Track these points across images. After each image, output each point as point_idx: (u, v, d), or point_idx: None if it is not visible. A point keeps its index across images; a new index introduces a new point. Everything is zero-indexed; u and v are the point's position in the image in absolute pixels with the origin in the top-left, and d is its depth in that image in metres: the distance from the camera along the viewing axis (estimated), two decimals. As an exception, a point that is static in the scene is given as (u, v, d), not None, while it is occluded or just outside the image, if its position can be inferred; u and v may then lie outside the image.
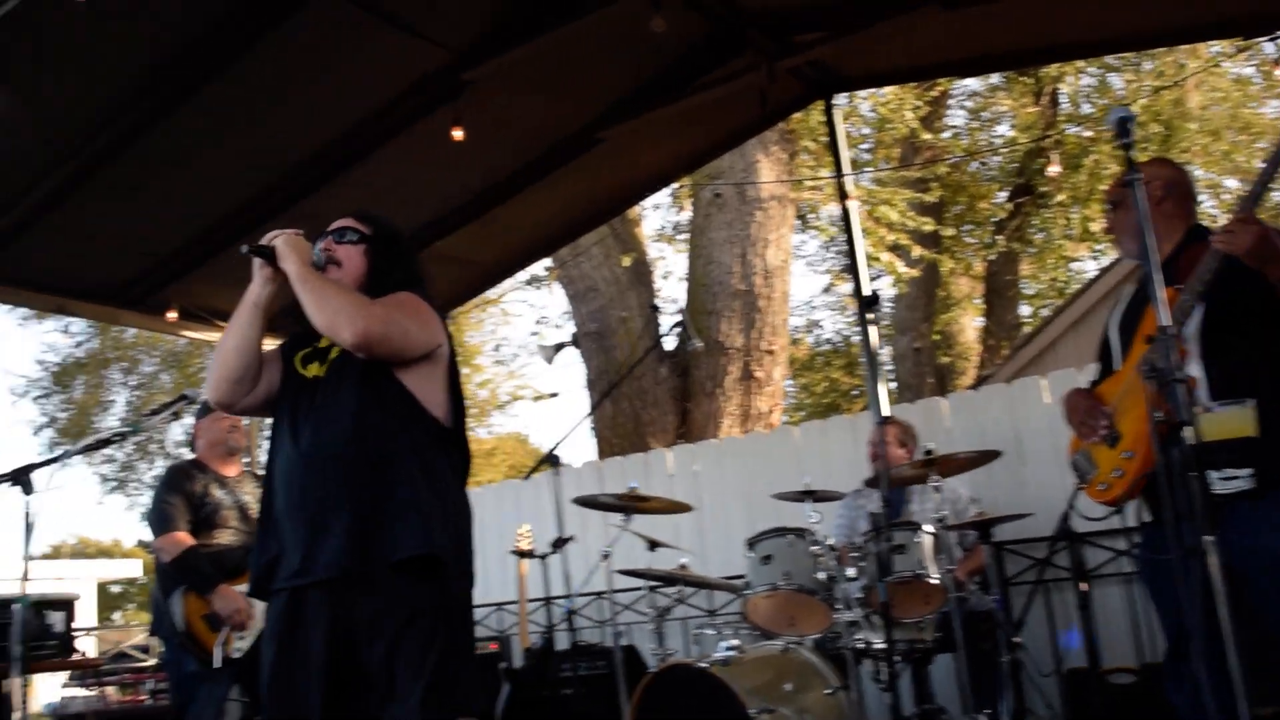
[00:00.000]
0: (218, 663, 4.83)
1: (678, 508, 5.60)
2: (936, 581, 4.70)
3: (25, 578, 3.31)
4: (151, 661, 10.98)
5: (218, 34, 4.90)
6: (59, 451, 3.54)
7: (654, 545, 5.46)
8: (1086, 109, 14.28)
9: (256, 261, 2.91)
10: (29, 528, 3.30)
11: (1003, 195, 15.36)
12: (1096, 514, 5.18)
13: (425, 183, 6.56)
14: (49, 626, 6.02)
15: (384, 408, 2.80)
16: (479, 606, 8.28)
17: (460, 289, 8.16)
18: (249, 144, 5.83)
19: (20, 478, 3.45)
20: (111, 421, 21.76)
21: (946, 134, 14.99)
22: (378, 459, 2.74)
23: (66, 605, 6.19)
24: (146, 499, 23.25)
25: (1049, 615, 5.95)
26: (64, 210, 5.81)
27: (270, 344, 3.08)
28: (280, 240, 2.88)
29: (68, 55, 4.76)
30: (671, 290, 13.10)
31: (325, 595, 2.69)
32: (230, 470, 5.31)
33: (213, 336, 7.54)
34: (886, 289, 14.07)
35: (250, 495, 5.24)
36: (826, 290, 18.89)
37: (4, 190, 5.64)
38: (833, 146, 7.18)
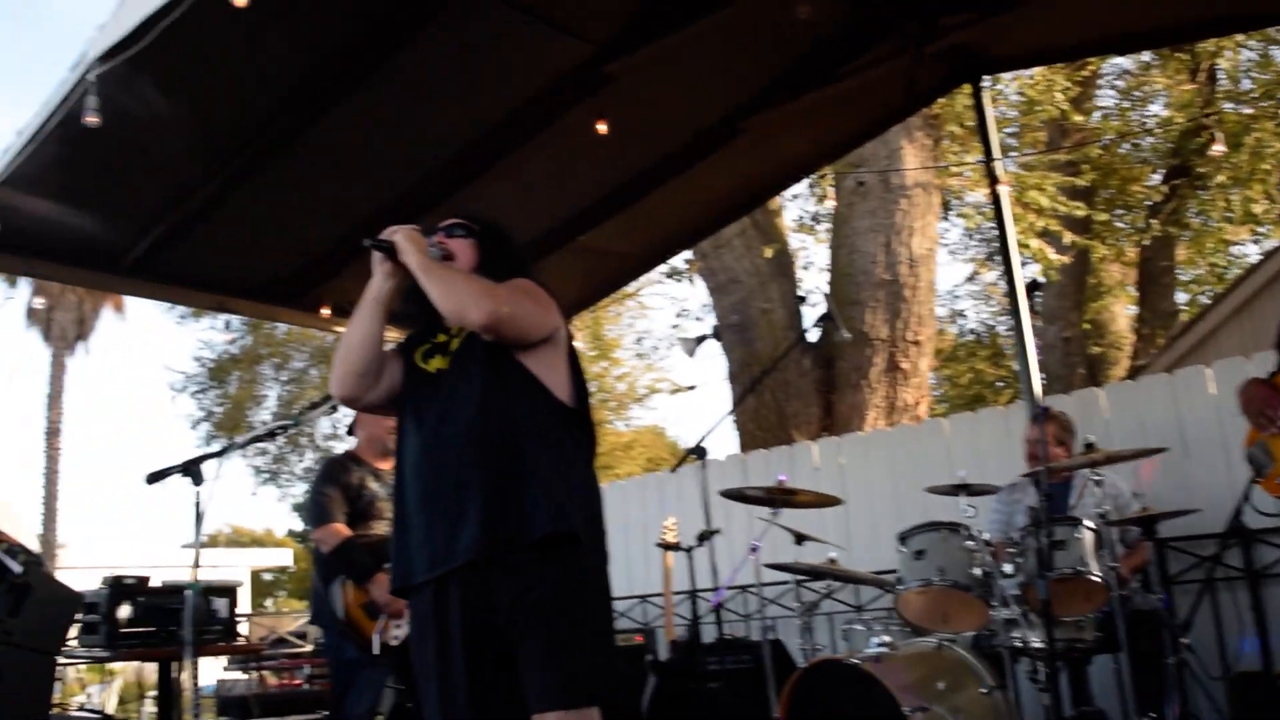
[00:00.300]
0: (376, 650, 4.93)
1: (826, 501, 5.52)
2: (1098, 579, 4.54)
3: (196, 565, 3.40)
4: (308, 647, 11.33)
5: (368, 36, 5.01)
6: (225, 444, 3.64)
7: (801, 539, 5.40)
8: (1246, 85, 13.64)
9: (376, 257, 2.96)
10: (199, 517, 3.40)
11: (1156, 177, 14.80)
12: (1271, 509, 4.98)
13: (569, 176, 6.59)
14: (214, 612, 6.25)
15: (508, 392, 2.81)
16: (623, 598, 8.35)
17: (603, 281, 8.20)
18: (398, 142, 5.94)
19: (191, 469, 3.56)
20: (264, 416, 22.49)
21: (1096, 115, 14.48)
22: (505, 441, 2.75)
23: (230, 592, 6.42)
24: (297, 490, 24.05)
25: (1217, 616, 5.71)
26: (224, 211, 6.01)
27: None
28: (400, 235, 2.91)
29: (228, 60, 4.91)
30: (813, 281, 12.95)
31: (464, 580, 2.70)
32: (385, 464, 5.41)
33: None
34: (1035, 276, 13.67)
35: None
36: (970, 279, 18.44)
37: (167, 193, 5.85)
38: (981, 131, 6.98)
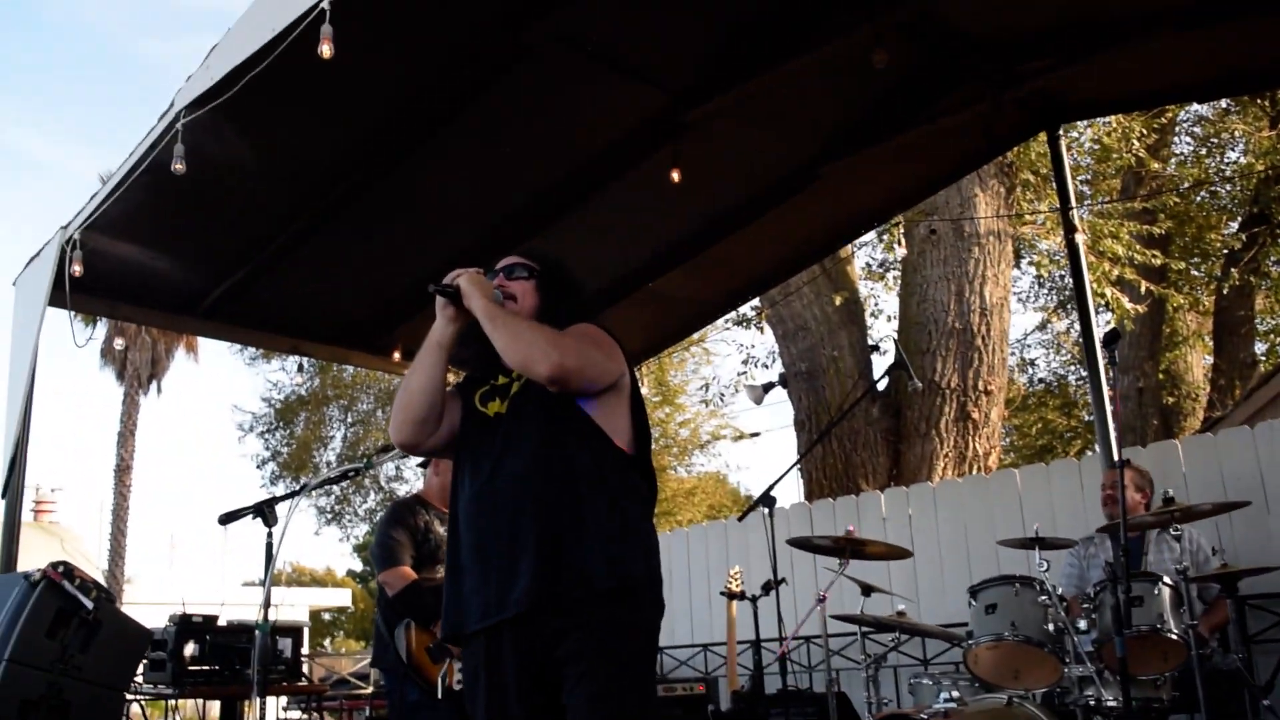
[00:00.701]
0: (440, 694, 4.92)
1: (897, 553, 5.45)
2: (1176, 637, 4.44)
3: (267, 604, 3.42)
4: (369, 689, 11.34)
5: (445, 84, 5.11)
6: (297, 486, 3.66)
7: (869, 590, 5.33)
8: (1328, 133, 13.39)
9: (440, 301, 2.91)
10: (271, 558, 3.42)
11: (1234, 226, 14.54)
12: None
13: (643, 223, 6.64)
14: (280, 651, 6.30)
15: (567, 439, 2.75)
16: (685, 647, 8.30)
17: (673, 328, 8.22)
18: (474, 189, 6.02)
19: (263, 510, 3.59)
20: (330, 457, 22.72)
21: (1172, 162, 14.29)
22: (561, 491, 2.69)
23: (296, 632, 6.48)
24: (359, 531, 24.25)
25: (1299, 677, 5.54)
26: (301, 255, 6.13)
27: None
28: (464, 280, 2.85)
29: (311, 108, 5.03)
30: (882, 329, 12.82)
31: (516, 630, 2.66)
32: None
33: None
34: (1109, 326, 13.46)
35: None
36: (1041, 327, 18.20)
37: (247, 237, 5.98)
38: (1058, 178, 6.93)
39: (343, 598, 34.20)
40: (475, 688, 2.75)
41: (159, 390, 26.27)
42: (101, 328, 21.28)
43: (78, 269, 5.20)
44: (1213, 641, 5.06)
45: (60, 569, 5.13)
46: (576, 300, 3.05)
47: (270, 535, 3.62)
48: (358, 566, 42.75)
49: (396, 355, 7.27)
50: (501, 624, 2.67)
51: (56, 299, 5.37)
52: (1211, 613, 5.16)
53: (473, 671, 2.77)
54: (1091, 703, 4.45)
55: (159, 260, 6.02)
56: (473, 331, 2.87)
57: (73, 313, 5.90)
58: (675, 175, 5.78)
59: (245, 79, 4.10)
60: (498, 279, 3.01)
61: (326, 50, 3.69)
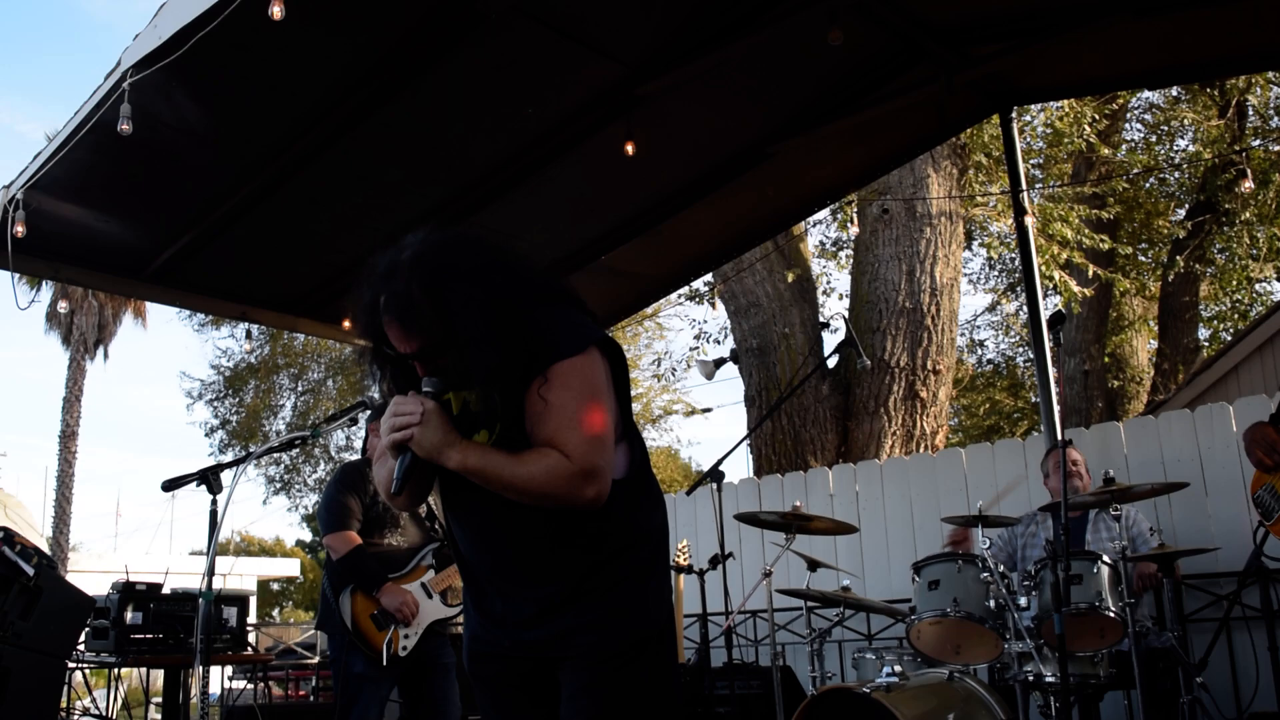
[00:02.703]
0: (385, 660, 4.91)
1: (843, 529, 5.50)
2: (1114, 615, 4.52)
3: (211, 573, 3.40)
4: (315, 659, 11.31)
5: (400, 52, 5.04)
6: (242, 454, 3.64)
7: (815, 565, 5.37)
8: (1276, 122, 13.61)
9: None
10: (215, 526, 3.40)
11: (1181, 213, 14.75)
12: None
13: (595, 197, 6.62)
14: (225, 621, 6.25)
15: None
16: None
17: (625, 302, 8.21)
18: (427, 158, 5.96)
19: (208, 478, 3.56)
20: (280, 426, 22.54)
21: (1123, 149, 14.46)
22: (560, 532, 2.38)
23: (242, 601, 6.43)
24: (309, 501, 24.11)
25: (1232, 656, 5.67)
26: (250, 221, 6.06)
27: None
28: (415, 440, 2.33)
29: (260, 72, 4.95)
30: (834, 307, 12.90)
31: (535, 665, 2.49)
32: None
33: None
34: (1056, 309, 13.62)
35: None
36: (991, 309, 18.39)
37: (195, 202, 5.90)
38: (1010, 161, 6.98)
39: (291, 567, 34.04)
40: (490, 709, 2.60)
41: (106, 356, 25.96)
42: (46, 291, 20.96)
43: (20, 229, 5.11)
44: (1148, 620, 5.16)
45: (1, 535, 5.07)
46: (529, 322, 2.35)
47: (215, 503, 3.60)
48: (307, 536, 42.59)
49: (346, 323, 7.22)
50: (520, 657, 2.50)
51: (-2, 259, 5.28)
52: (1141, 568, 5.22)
53: (489, 693, 2.59)
54: (1030, 678, 4.53)
55: (105, 222, 5.93)
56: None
57: (15, 275, 5.80)
58: (629, 149, 5.76)
59: (193, 39, 4.04)
60: (421, 381, 2.40)
61: (277, 11, 3.66)
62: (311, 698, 10.91)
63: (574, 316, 2.45)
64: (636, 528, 2.49)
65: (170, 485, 3.75)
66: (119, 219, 5.97)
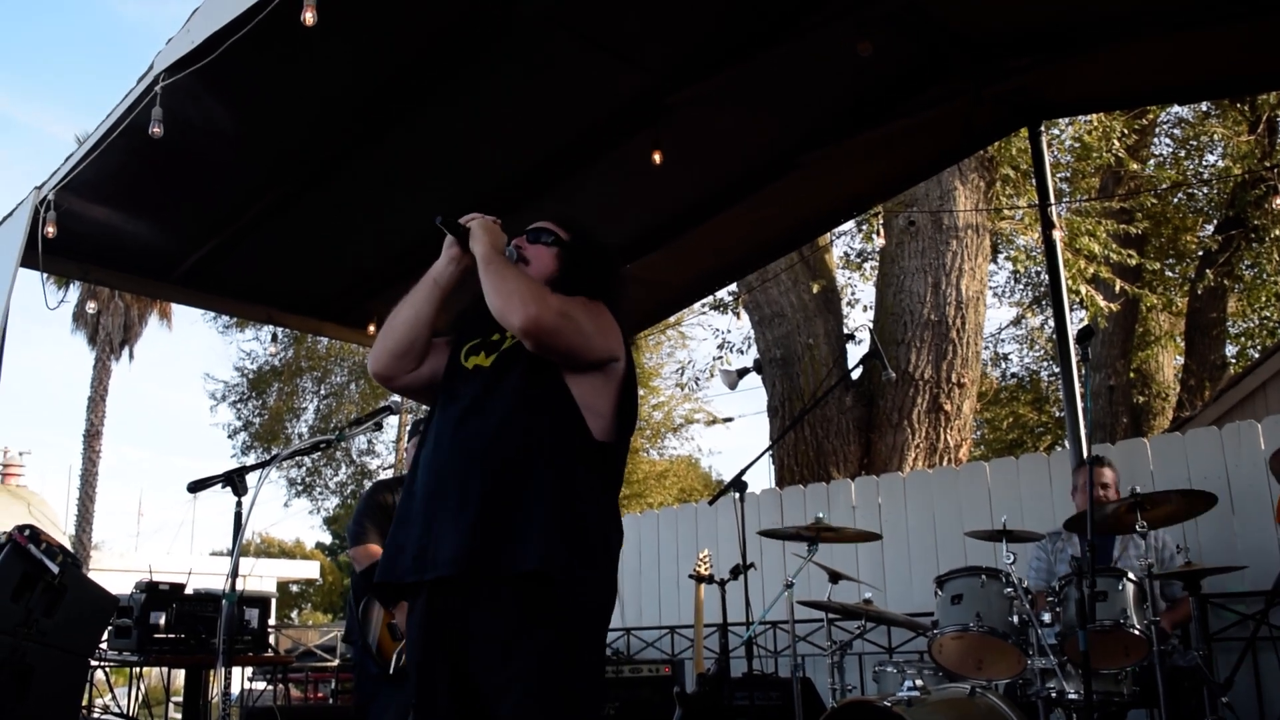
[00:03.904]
0: (392, 670, 4.96)
1: (866, 537, 5.48)
2: (1139, 633, 4.48)
3: (235, 574, 3.40)
4: (334, 661, 11.31)
5: (428, 59, 5.05)
6: (268, 456, 3.65)
7: (836, 578, 5.36)
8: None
9: (447, 239, 2.83)
10: (240, 527, 3.40)
11: (1210, 228, 14.65)
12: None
13: (623, 204, 6.61)
14: (247, 622, 6.28)
15: (538, 411, 2.63)
16: (652, 629, 8.32)
17: (649, 311, 8.20)
18: (453, 165, 5.98)
19: (233, 479, 3.56)
20: (302, 429, 22.67)
21: (1151, 163, 14.37)
22: (515, 464, 2.56)
23: (264, 603, 6.46)
24: (330, 504, 24.22)
25: (1257, 675, 5.61)
26: (278, 225, 6.09)
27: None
28: (476, 222, 2.78)
29: (291, 78, 4.97)
30: (859, 319, 12.84)
31: (443, 595, 2.55)
32: None
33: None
34: (1083, 323, 13.53)
35: None
36: (1016, 323, 18.31)
37: (224, 205, 5.93)
38: (1038, 174, 6.96)
39: (311, 570, 34.15)
40: (410, 642, 2.65)
41: (131, 356, 26.10)
42: (74, 291, 21.12)
43: (51, 230, 5.14)
44: (1174, 638, 5.11)
45: (26, 533, 5.10)
46: (599, 280, 2.86)
47: (239, 504, 3.59)
48: (327, 539, 42.70)
49: (370, 329, 7.24)
50: (436, 585, 2.55)
51: (29, 260, 5.29)
52: (1174, 609, 5.22)
53: (410, 625, 2.66)
54: (1053, 695, 4.49)
55: (134, 224, 5.96)
56: (474, 281, 2.75)
57: (45, 275, 5.84)
58: (657, 158, 5.77)
59: (226, 44, 4.06)
60: (520, 239, 2.89)
61: (309, 17, 3.66)
62: (330, 700, 10.93)
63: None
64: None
65: (196, 486, 3.75)
66: (148, 221, 6.00)
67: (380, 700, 5.01)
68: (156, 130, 4.34)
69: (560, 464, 2.59)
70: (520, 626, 2.47)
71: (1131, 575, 4.62)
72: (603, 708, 4.99)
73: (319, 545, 44.34)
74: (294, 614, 40.94)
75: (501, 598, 2.49)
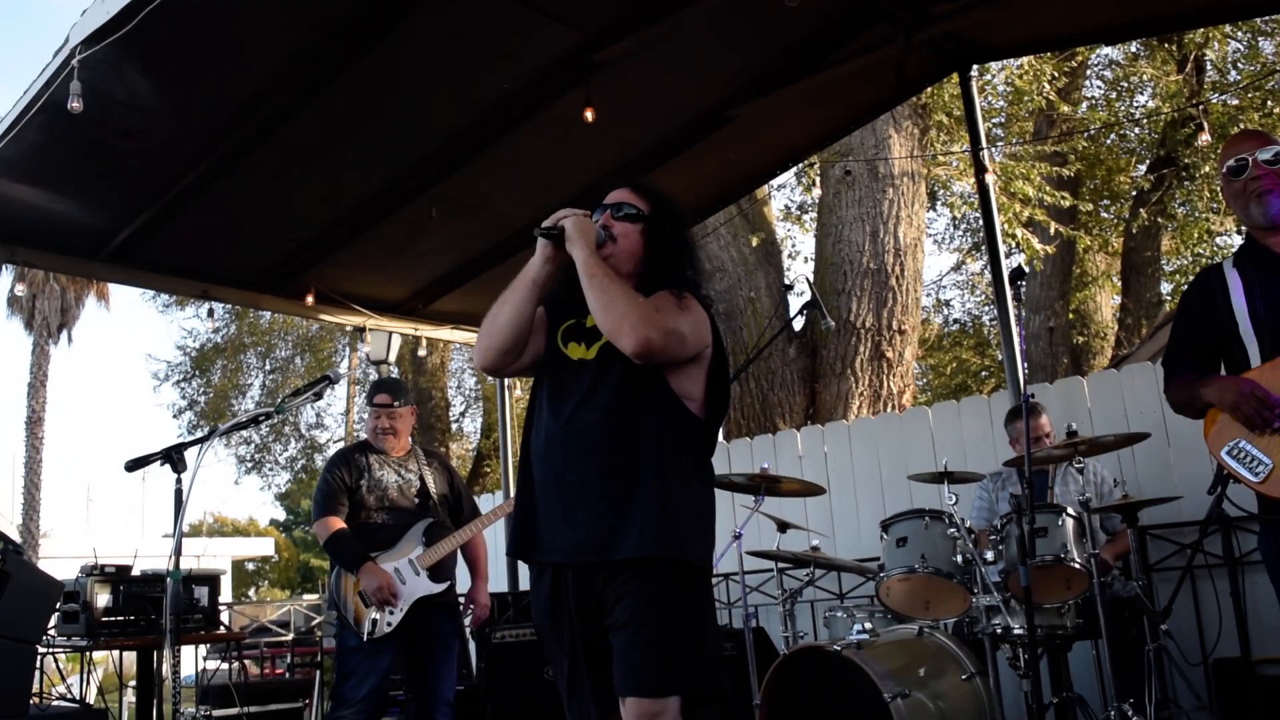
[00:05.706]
0: (364, 637, 4.98)
1: (811, 490, 5.53)
2: (1079, 566, 4.57)
3: (178, 553, 3.38)
4: (289, 636, 11.28)
5: (355, 21, 4.99)
6: (205, 431, 3.61)
7: (785, 527, 5.40)
8: (1234, 76, 13.67)
9: (540, 240, 2.94)
10: (181, 504, 3.38)
11: (1142, 168, 14.82)
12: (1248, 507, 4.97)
13: (557, 163, 6.58)
14: (196, 600, 6.25)
15: (642, 402, 2.83)
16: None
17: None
18: (384, 130, 5.92)
19: (172, 456, 3.54)
20: (248, 405, 22.38)
21: (1083, 106, 14.50)
22: (626, 455, 2.79)
23: (212, 580, 6.42)
24: (280, 480, 24.01)
25: (1196, 603, 5.74)
26: (209, 198, 6.00)
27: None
28: (569, 223, 2.89)
29: (214, 45, 4.89)
30: (799, 270, 12.91)
31: (575, 576, 2.81)
32: (396, 450, 5.42)
33: (349, 319, 7.69)
34: (1020, 265, 13.64)
35: (412, 473, 5.38)
36: (956, 268, 18.48)
37: (151, 179, 5.83)
38: (969, 120, 6.99)
39: (266, 547, 33.93)
40: (544, 615, 2.91)
41: (70, 339, 25.64)
42: (6, 275, 20.68)
43: (-28, 212, 5.05)
44: (1115, 569, 5.22)
45: (-35, 521, 5.03)
46: (683, 257, 3.05)
47: (179, 481, 3.58)
48: (280, 515, 42.41)
49: (309, 299, 7.17)
50: (562, 565, 2.84)
51: (-50, 244, 5.21)
52: (1114, 542, 5.32)
53: (537, 598, 2.92)
54: (999, 631, 4.58)
55: (59, 203, 5.85)
56: (569, 272, 2.91)
57: (-31, 259, 5.73)
58: (589, 116, 5.74)
59: (143, 13, 3.98)
60: (604, 215, 3.03)
61: (228, -18, 3.60)
62: (288, 674, 10.89)
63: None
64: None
65: (134, 465, 3.73)
66: (74, 199, 5.90)
67: (359, 671, 5.04)
68: (76, 105, 4.27)
69: (666, 452, 2.82)
70: (644, 601, 2.72)
71: (1070, 510, 4.70)
72: (723, 649, 5.31)
73: (273, 522, 44.01)
74: (251, 591, 40.66)
75: (623, 578, 2.75)
